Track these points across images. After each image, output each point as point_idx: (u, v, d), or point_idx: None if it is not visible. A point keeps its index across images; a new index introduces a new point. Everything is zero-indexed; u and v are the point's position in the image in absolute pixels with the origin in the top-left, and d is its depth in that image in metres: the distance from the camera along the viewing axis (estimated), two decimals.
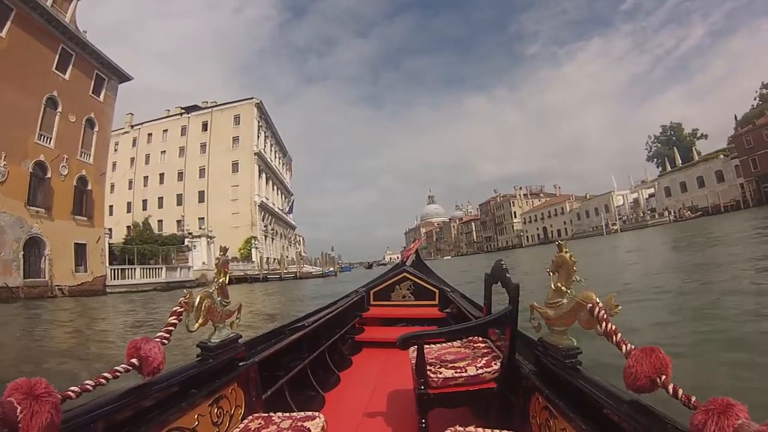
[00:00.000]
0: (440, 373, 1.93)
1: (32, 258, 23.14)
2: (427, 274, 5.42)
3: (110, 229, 40.86)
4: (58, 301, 21.94)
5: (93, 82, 28.86)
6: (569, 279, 1.61)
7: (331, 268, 59.88)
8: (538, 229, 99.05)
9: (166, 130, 59.54)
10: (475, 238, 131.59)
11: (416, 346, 1.93)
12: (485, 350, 2.16)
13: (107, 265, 28.08)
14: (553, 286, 1.68)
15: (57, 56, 25.87)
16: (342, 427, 2.29)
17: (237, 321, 2.02)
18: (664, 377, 1.06)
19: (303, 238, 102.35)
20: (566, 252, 1.62)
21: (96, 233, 27.76)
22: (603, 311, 1.36)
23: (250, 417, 1.72)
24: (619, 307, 1.36)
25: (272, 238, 60.37)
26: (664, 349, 1.11)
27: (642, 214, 69.13)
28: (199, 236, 38.25)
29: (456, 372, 1.92)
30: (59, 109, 25.71)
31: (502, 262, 2.18)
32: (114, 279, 27.96)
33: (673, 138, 77.23)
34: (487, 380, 1.92)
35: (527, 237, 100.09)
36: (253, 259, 48.57)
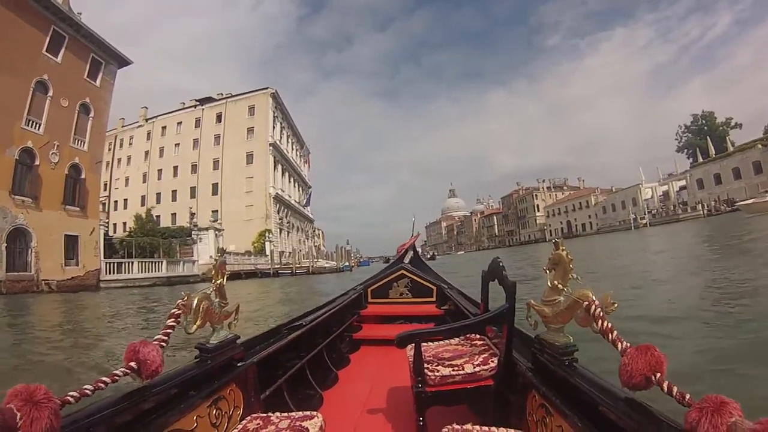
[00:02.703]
0: (437, 371, 1.95)
1: (17, 250, 21.78)
2: (425, 271, 5.39)
3: (124, 223, 40.08)
4: (44, 296, 20.46)
5: (88, 66, 27.37)
6: (566, 277, 1.62)
7: (347, 263, 57.71)
8: (561, 222, 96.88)
9: (180, 123, 58.79)
10: (496, 232, 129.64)
11: (413, 344, 1.96)
12: (482, 348, 2.20)
13: (102, 258, 26.58)
14: (549, 283, 1.68)
15: (48, 38, 24.45)
16: (340, 425, 2.28)
17: (235, 322, 2.01)
18: (659, 375, 1.08)
19: (323, 232, 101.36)
20: (563, 249, 1.63)
21: (89, 225, 26.29)
22: (599, 309, 1.36)
23: (249, 417, 1.73)
24: (616, 305, 1.36)
25: (288, 232, 58.78)
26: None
27: (673, 208, 65.91)
28: (207, 229, 36.64)
29: (453, 370, 1.95)
30: (50, 93, 24.29)
31: (499, 260, 2.16)
32: (109, 273, 26.42)
33: (705, 128, 71.82)
34: (485, 378, 1.96)
35: (550, 231, 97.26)
36: (267, 252, 47.02)
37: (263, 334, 2.61)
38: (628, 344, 1.21)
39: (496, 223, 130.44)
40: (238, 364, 1.99)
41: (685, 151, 75.78)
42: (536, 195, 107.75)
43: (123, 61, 30.25)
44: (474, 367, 1.94)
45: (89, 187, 26.70)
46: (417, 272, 5.23)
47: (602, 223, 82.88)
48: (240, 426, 1.65)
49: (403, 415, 2.30)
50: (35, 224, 22.51)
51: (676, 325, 5.43)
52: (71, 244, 24.91)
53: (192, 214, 40.48)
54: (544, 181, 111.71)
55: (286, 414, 1.70)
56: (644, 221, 66.02)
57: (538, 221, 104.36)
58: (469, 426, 1.46)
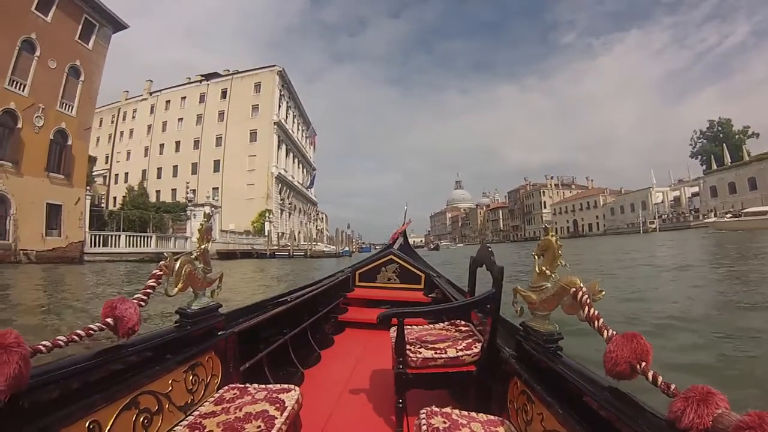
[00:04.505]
0: (420, 353, 1.94)
1: None
2: (414, 258, 5.35)
3: (124, 196, 39.23)
4: (21, 268, 19.36)
5: (81, 27, 25.91)
6: (554, 263, 1.60)
7: (347, 248, 56.27)
8: (568, 221, 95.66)
9: (185, 98, 57.61)
10: (501, 226, 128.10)
11: (396, 326, 1.93)
12: (467, 333, 2.19)
13: (86, 230, 25.38)
14: (537, 269, 1.67)
15: None
16: (320, 404, 2.31)
17: (218, 290, 1.99)
18: (644, 364, 1.07)
19: (326, 216, 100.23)
20: (552, 236, 1.62)
21: (75, 194, 25.06)
22: (586, 296, 1.36)
23: (226, 387, 1.72)
24: (603, 293, 1.36)
25: (289, 213, 57.77)
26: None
27: (684, 214, 64.78)
28: (202, 205, 35.36)
29: (436, 353, 1.94)
30: (37, 53, 22.92)
31: (489, 246, 2.14)
32: (94, 246, 25.25)
33: (721, 135, 68.70)
34: (467, 363, 1.94)
35: (556, 229, 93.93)
36: (267, 233, 45.94)
37: (247, 307, 2.54)
38: (614, 332, 1.20)
39: (501, 217, 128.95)
40: (219, 333, 1.95)
41: (699, 157, 73.27)
42: (543, 192, 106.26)
43: (119, 25, 28.74)
44: (457, 352, 1.94)
45: (76, 154, 25.40)
46: (406, 258, 5.18)
47: (609, 224, 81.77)
48: (216, 395, 1.65)
49: (384, 396, 2.29)
50: (15, 190, 21.34)
51: (670, 326, 5.36)
52: (54, 213, 23.70)
53: (190, 190, 39.30)
54: (552, 177, 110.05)
55: (263, 386, 1.68)
56: (654, 225, 64.96)
57: (544, 218, 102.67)
58: (448, 409, 1.48)
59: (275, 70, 54.96)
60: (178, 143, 55.80)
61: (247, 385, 1.71)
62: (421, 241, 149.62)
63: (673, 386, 0.95)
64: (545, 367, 1.47)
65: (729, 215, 46.59)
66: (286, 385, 1.67)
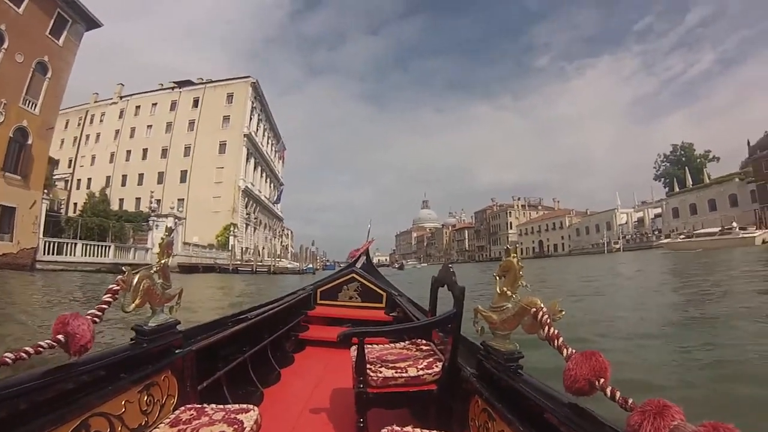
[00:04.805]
0: (380, 372, 1.92)
1: None
2: (376, 277, 5.35)
3: (84, 203, 37.16)
4: None
5: (53, 22, 24.65)
6: (515, 283, 1.62)
7: (311, 265, 55.37)
8: (533, 242, 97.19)
9: (156, 104, 56.03)
10: (467, 246, 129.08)
11: (357, 345, 1.91)
12: (428, 352, 2.19)
13: (41, 236, 23.71)
14: (498, 290, 1.68)
15: None
16: (279, 423, 2.26)
17: (177, 306, 1.95)
18: (602, 380, 1.10)
19: (291, 232, 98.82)
20: (514, 257, 1.63)
21: (30, 197, 23.40)
22: (546, 316, 1.38)
23: (183, 408, 1.67)
24: (563, 312, 1.38)
25: (254, 228, 56.59)
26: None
27: (647, 234, 67.08)
28: (166, 215, 33.85)
29: (396, 372, 1.92)
30: (5, 45, 21.59)
31: (450, 266, 2.18)
32: (48, 254, 23.55)
33: (683, 158, 73.17)
34: (428, 382, 1.93)
35: (522, 249, 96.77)
36: (231, 247, 44.76)
37: (206, 324, 2.50)
38: (574, 350, 1.22)
39: (467, 237, 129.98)
40: (176, 351, 1.89)
41: (663, 179, 77.16)
42: (510, 212, 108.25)
43: (93, 23, 27.53)
44: (418, 371, 1.93)
45: (36, 155, 23.81)
46: (368, 277, 5.17)
47: (575, 245, 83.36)
48: (172, 416, 1.58)
49: (345, 416, 2.25)
50: None
51: (627, 339, 5.64)
52: (6, 216, 22.01)
53: (154, 199, 37.68)
54: (519, 198, 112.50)
55: (221, 406, 1.63)
56: (618, 246, 66.59)
57: (510, 238, 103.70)
58: (409, 429, 1.46)
59: (249, 81, 54.40)
60: (145, 151, 53.86)
61: (205, 405, 1.65)
62: (386, 259, 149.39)
63: (630, 401, 0.97)
64: (506, 385, 1.49)
65: (682, 236, 49.41)
66: (244, 405, 1.63)
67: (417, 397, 1.93)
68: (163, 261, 1.85)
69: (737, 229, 41.55)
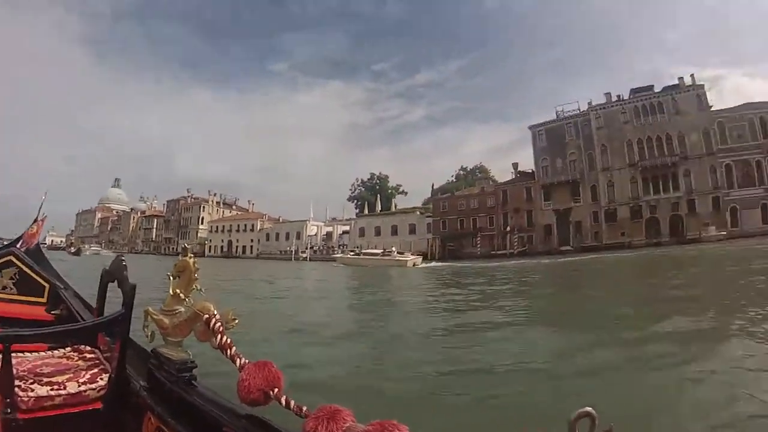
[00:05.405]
0: (32, 390, 1.55)
1: None
2: (42, 264, 4.08)
3: None
4: None
5: None
6: (189, 286, 1.53)
7: None
8: (223, 241, 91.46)
9: None
10: (154, 236, 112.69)
11: (2, 354, 1.45)
12: (93, 362, 1.91)
13: None
14: (171, 291, 1.55)
15: None
16: None
17: None
18: (276, 390, 1.11)
19: None
20: (190, 257, 1.56)
21: None
22: (220, 324, 1.34)
23: None
24: (237, 321, 1.35)
25: None
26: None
27: (333, 248, 71.97)
28: None
29: (52, 389, 1.57)
30: None
31: (122, 259, 1.94)
32: None
33: (378, 186, 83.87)
34: (92, 399, 1.64)
35: (211, 247, 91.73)
36: None
37: None
38: (247, 360, 1.21)
39: (155, 226, 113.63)
40: None
41: (356, 201, 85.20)
42: (204, 207, 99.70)
43: None
44: (79, 386, 1.63)
45: None
46: (30, 263, 3.69)
47: (264, 249, 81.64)
48: None
49: None
50: None
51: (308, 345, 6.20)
52: None
53: None
54: (215, 194, 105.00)
55: None
56: (305, 255, 68.07)
57: (200, 234, 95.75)
58: None
59: None
60: None
61: None
62: (62, 241, 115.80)
63: (305, 408, 1.00)
64: (179, 398, 1.38)
65: (352, 253, 55.95)
66: None
67: (79, 420, 1.56)
68: None
69: (395, 253, 49.04)
